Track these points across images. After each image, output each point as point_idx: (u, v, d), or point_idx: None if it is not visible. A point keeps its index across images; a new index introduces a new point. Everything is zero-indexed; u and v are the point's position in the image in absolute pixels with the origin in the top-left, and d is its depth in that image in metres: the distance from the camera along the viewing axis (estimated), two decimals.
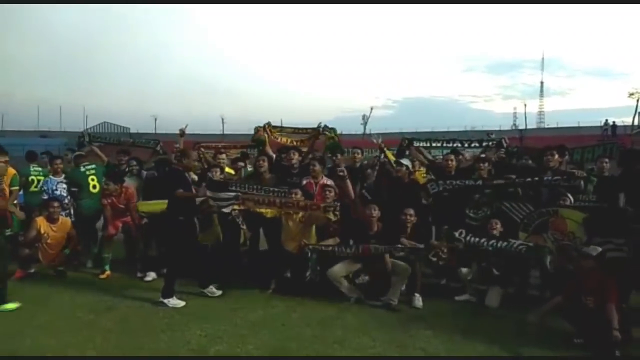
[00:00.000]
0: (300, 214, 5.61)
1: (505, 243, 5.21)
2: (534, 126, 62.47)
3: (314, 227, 5.73)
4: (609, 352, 4.04)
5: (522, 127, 54.68)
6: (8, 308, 4.88)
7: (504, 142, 6.40)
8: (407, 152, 6.69)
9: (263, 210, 5.70)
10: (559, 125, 50.84)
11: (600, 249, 4.52)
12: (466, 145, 6.96)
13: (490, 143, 6.65)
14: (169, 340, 4.23)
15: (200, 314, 4.88)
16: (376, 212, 5.51)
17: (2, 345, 4.06)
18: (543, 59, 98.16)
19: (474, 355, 4.11)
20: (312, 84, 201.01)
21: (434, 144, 6.92)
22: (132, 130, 56.86)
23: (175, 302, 5.11)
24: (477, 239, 5.35)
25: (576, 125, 46.32)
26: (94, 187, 6.60)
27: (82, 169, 6.71)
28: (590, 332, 4.24)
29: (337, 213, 5.45)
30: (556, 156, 5.83)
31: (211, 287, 5.47)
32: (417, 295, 5.30)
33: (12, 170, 5.63)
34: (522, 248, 5.13)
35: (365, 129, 60.67)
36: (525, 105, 64.87)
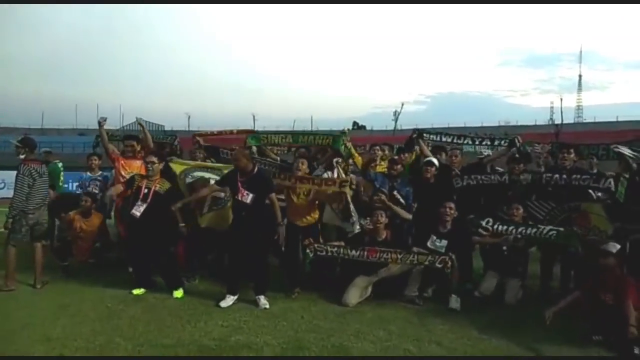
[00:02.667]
0: (305, 188, 5.45)
1: (534, 229, 5.13)
2: (571, 121, 60.63)
3: (316, 204, 5.60)
4: (627, 349, 4.00)
5: (558, 122, 53.31)
6: (178, 295, 5.31)
7: (516, 140, 6.15)
8: (415, 145, 6.61)
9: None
10: (597, 120, 49.46)
11: (619, 246, 4.47)
12: (477, 142, 6.73)
13: (503, 142, 6.45)
14: (192, 330, 4.40)
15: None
16: (383, 219, 5.38)
17: (37, 331, 4.30)
18: (581, 52, 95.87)
19: (489, 349, 4.14)
20: (343, 81, 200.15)
21: (444, 139, 6.79)
22: (167, 128, 57.89)
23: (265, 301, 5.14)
24: (504, 227, 5.27)
25: (614, 119, 45.01)
26: None
27: None
28: (608, 329, 4.21)
29: (354, 187, 5.33)
30: (572, 154, 5.71)
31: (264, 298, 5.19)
32: (454, 296, 5.19)
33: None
34: (552, 234, 5.03)
35: (396, 125, 60.47)
36: (561, 99, 63.37)
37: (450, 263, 4.97)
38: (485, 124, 50.33)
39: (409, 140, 6.78)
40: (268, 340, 4.20)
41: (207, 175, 5.99)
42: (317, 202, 5.57)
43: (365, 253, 5.14)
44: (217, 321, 4.63)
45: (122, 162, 6.27)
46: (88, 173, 7.15)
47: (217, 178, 5.69)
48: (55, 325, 4.45)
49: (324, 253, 5.24)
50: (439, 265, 5.02)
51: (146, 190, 5.39)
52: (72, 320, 4.60)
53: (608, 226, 5.10)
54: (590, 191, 5.52)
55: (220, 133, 7.34)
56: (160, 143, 7.28)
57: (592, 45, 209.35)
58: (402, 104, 74.21)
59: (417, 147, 6.70)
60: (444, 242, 5.41)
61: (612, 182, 5.11)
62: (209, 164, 6.18)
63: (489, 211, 5.60)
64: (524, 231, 5.21)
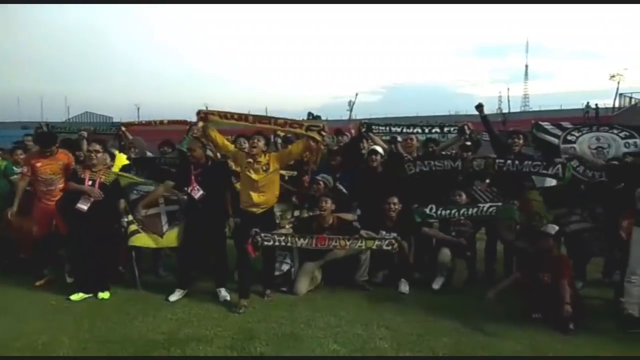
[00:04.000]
0: (263, 162, 5.00)
1: (475, 209, 5.31)
2: (518, 109, 62.72)
3: (278, 179, 5.26)
4: (563, 325, 4.24)
5: (505, 110, 54.96)
6: (104, 297, 5.02)
7: (466, 128, 6.11)
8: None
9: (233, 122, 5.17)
10: (542, 109, 51.34)
11: (557, 228, 4.69)
12: (427, 130, 6.69)
13: (452, 129, 6.43)
14: (140, 325, 4.34)
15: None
16: (329, 205, 5.28)
17: None
18: (527, 42, 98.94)
19: (436, 330, 4.26)
20: (299, 71, 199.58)
21: (393, 129, 6.80)
22: (115, 119, 56.15)
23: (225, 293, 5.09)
24: (447, 211, 5.39)
25: (558, 108, 46.92)
26: None
27: None
28: (546, 307, 4.44)
29: (324, 133, 4.93)
30: (521, 140, 5.86)
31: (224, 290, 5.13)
32: (403, 280, 5.34)
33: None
34: (492, 210, 5.24)
35: (351, 115, 60.85)
36: (508, 88, 65.45)
37: (397, 244, 4.96)
38: (436, 114, 51.20)
39: (358, 134, 6.65)
40: (218, 332, 4.19)
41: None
42: (279, 174, 5.27)
43: (314, 241, 5.03)
44: (167, 315, 4.58)
45: (38, 163, 5.44)
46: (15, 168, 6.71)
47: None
48: None
49: (271, 243, 5.00)
50: (387, 248, 5.00)
51: (90, 182, 5.07)
52: (14, 319, 4.45)
53: (549, 216, 5.30)
54: (533, 177, 5.75)
55: (148, 123, 6.98)
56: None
57: (540, 35, 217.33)
58: (356, 94, 75.23)
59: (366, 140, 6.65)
60: (394, 235, 5.31)
61: (561, 169, 5.27)
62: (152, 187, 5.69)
63: (437, 198, 5.63)
64: (466, 212, 5.36)
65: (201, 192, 5.00)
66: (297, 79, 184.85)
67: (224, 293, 5.06)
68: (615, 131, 5.45)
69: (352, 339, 4.08)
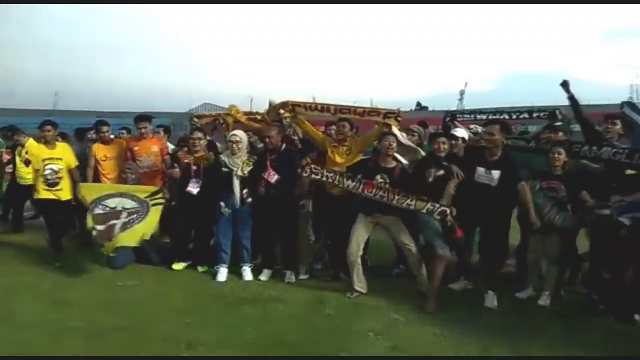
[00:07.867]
0: (346, 146, 5.32)
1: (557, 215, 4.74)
2: None
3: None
4: (628, 316, 4.33)
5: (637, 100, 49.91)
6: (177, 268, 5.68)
7: (557, 113, 5.81)
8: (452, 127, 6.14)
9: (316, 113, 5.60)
10: None
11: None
12: (514, 116, 6.52)
13: (542, 114, 6.24)
14: (233, 286, 5.17)
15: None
16: (394, 145, 4.95)
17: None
18: None
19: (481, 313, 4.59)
20: (409, 59, 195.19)
21: (478, 117, 6.66)
22: None
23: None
24: (545, 199, 4.81)
25: None
26: None
27: None
28: (610, 299, 4.51)
29: (400, 119, 5.08)
30: (618, 126, 4.99)
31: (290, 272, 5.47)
32: (490, 292, 4.76)
33: None
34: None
35: (461, 104, 59.16)
36: (638, 76, 58.68)
37: (450, 216, 4.56)
38: (552, 103, 47.96)
39: (444, 122, 6.62)
40: (296, 295, 4.89)
41: (121, 203, 5.67)
42: (358, 155, 5.43)
43: (362, 186, 4.86)
44: (254, 280, 5.38)
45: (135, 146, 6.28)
46: None
47: (134, 204, 5.64)
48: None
49: (319, 177, 5.06)
50: (438, 217, 4.62)
51: (195, 167, 5.61)
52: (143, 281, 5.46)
53: None
54: None
55: (218, 114, 6.93)
56: None
57: None
58: (466, 83, 72.67)
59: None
60: (496, 173, 4.69)
61: None
62: (125, 186, 5.98)
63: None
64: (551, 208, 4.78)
65: (277, 176, 5.29)
66: (404, 67, 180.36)
67: (288, 275, 5.40)
68: None
69: (410, 310, 4.52)
